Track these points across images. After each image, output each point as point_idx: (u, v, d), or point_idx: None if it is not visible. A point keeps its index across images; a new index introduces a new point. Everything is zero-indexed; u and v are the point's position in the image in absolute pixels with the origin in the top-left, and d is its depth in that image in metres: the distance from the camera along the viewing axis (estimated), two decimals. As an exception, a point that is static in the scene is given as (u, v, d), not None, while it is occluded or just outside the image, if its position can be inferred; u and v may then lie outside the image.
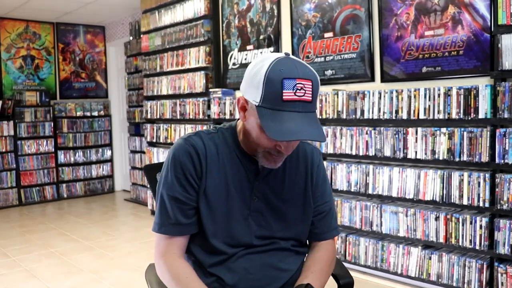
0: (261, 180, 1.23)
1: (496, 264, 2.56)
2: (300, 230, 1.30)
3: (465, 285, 2.67)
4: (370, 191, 3.09)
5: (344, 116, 3.23)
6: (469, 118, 2.63)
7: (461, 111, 2.66)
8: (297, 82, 1.04)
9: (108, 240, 4.34)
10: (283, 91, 1.04)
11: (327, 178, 1.37)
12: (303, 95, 1.05)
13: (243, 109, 1.15)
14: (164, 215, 1.20)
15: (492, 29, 2.60)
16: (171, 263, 1.18)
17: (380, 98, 3.03)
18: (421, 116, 2.83)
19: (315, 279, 1.21)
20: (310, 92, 1.07)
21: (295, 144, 1.16)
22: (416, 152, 2.86)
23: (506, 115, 2.47)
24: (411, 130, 2.88)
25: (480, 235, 2.60)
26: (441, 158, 2.75)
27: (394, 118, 2.96)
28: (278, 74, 1.04)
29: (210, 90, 4.42)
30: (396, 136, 2.95)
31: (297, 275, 1.28)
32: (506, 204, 2.49)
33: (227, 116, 4.18)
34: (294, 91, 1.04)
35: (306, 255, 1.34)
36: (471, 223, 2.64)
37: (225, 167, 1.21)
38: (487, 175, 2.57)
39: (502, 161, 2.50)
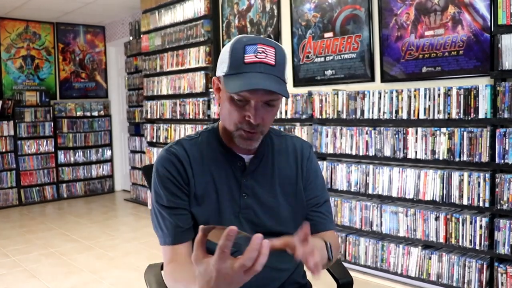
0: (249, 176, 1.24)
1: (496, 264, 2.56)
2: (294, 224, 1.28)
3: (465, 285, 2.67)
4: (370, 191, 3.09)
5: (344, 116, 3.23)
6: (469, 118, 2.63)
7: (461, 111, 2.66)
8: (258, 46, 1.10)
9: (108, 240, 4.34)
10: (245, 55, 1.10)
11: (319, 171, 1.36)
12: (264, 58, 1.10)
13: (218, 90, 1.20)
14: (164, 227, 1.20)
15: (492, 29, 2.60)
16: (174, 267, 1.18)
17: (380, 98, 3.03)
18: (421, 116, 2.83)
19: (331, 245, 1.18)
20: (273, 56, 1.11)
21: (267, 117, 1.14)
22: (416, 152, 2.86)
23: (506, 115, 2.47)
24: (411, 130, 2.88)
25: (480, 235, 2.60)
26: (441, 158, 2.75)
27: (394, 118, 2.96)
28: (241, 42, 1.12)
29: (210, 90, 4.42)
30: (396, 136, 2.95)
31: (295, 274, 1.27)
32: (506, 204, 2.49)
33: (227, 116, 4.17)
34: (255, 54, 1.10)
35: None
36: (471, 223, 2.64)
37: (211, 168, 1.22)
38: (487, 175, 2.57)
39: (502, 161, 2.50)
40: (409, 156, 2.89)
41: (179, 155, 1.21)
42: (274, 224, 1.25)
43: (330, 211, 1.36)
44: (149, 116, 5.28)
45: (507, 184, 2.48)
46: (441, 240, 2.76)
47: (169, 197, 1.19)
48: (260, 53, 1.09)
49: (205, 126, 1.33)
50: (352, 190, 3.19)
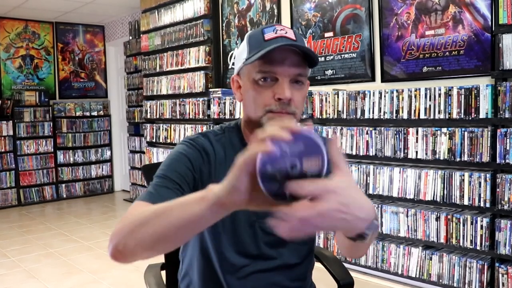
0: None
1: (497, 264, 2.55)
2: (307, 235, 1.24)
3: (466, 286, 2.66)
4: (370, 191, 3.08)
5: (344, 116, 3.22)
6: (470, 118, 2.62)
7: (462, 111, 2.65)
8: (277, 27, 1.07)
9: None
10: (264, 35, 1.06)
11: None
12: (285, 33, 1.06)
13: (238, 88, 1.14)
14: (149, 189, 1.01)
15: (493, 29, 2.59)
16: (136, 208, 0.92)
17: (380, 98, 3.02)
18: (422, 116, 2.82)
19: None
20: (293, 34, 1.07)
21: (297, 97, 1.06)
22: (416, 152, 2.85)
23: (507, 115, 2.46)
24: (411, 130, 2.87)
25: (481, 236, 2.60)
26: (441, 158, 2.74)
27: (394, 118, 2.95)
28: (258, 29, 1.09)
29: (210, 90, 4.41)
30: (397, 136, 2.94)
31: None
32: (507, 205, 2.48)
33: (227, 116, 4.17)
34: (275, 31, 1.06)
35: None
36: (472, 223, 2.63)
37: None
38: (488, 175, 2.56)
39: (503, 161, 2.49)
40: (409, 156, 2.88)
41: (207, 149, 1.11)
42: None
43: None
44: (148, 116, 5.27)
45: (508, 184, 2.47)
46: (442, 240, 2.75)
47: (175, 171, 1.04)
48: (279, 30, 1.05)
49: (228, 123, 1.23)
50: (353, 190, 3.18)
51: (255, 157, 0.61)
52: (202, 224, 0.73)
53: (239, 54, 1.12)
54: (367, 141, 3.10)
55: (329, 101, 3.30)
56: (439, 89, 2.74)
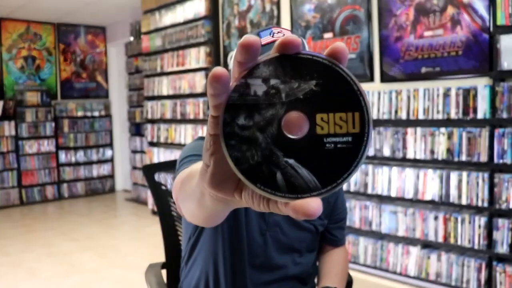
0: None
1: (494, 263, 2.57)
2: (313, 242, 1.25)
3: (464, 284, 2.68)
4: (369, 191, 3.11)
5: (343, 116, 3.23)
6: (468, 118, 2.64)
7: (460, 111, 2.67)
8: (273, 29, 1.01)
9: (108, 239, 4.35)
10: (261, 39, 1.00)
11: None
12: (282, 36, 1.01)
13: None
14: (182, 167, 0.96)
15: (491, 30, 2.61)
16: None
17: (379, 98, 3.04)
18: (420, 116, 2.84)
19: (339, 283, 1.20)
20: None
21: None
22: (415, 152, 2.87)
23: (504, 115, 2.48)
24: (410, 130, 2.89)
25: (479, 235, 2.61)
26: (440, 158, 2.76)
27: (393, 118, 2.97)
28: (254, 32, 1.04)
29: (211, 90, 4.43)
30: (395, 136, 2.96)
31: None
32: (505, 204, 2.50)
33: (227, 116, 4.19)
34: (271, 35, 1.00)
35: (320, 258, 1.31)
36: (469, 222, 2.65)
37: None
38: (486, 175, 2.58)
39: (501, 161, 2.51)
40: (408, 156, 2.90)
41: None
42: (298, 239, 1.19)
43: None
44: (149, 117, 5.30)
45: (506, 184, 2.49)
46: (440, 239, 2.77)
47: (196, 152, 1.00)
48: (276, 33, 1.00)
49: None
50: (352, 190, 3.20)
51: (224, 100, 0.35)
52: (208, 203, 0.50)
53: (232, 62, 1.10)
54: (366, 141, 3.11)
55: (328, 102, 3.32)
56: (438, 90, 2.76)
